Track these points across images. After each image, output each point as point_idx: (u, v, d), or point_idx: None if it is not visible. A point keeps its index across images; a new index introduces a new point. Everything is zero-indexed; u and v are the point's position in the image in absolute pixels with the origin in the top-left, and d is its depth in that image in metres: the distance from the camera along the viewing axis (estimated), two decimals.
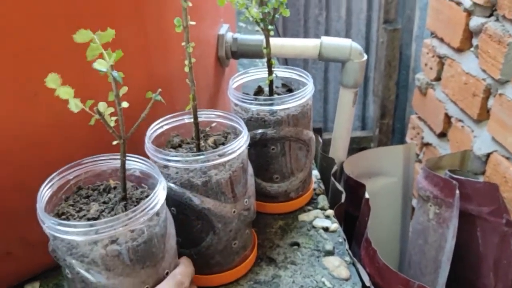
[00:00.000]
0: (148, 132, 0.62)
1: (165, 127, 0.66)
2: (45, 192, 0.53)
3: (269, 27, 0.70)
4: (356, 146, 2.08)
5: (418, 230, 0.99)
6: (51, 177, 0.54)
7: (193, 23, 0.56)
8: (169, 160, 0.58)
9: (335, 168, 0.91)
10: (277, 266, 0.69)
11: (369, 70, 2.09)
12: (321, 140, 1.02)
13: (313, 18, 1.99)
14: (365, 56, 0.85)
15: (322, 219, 0.77)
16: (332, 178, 0.88)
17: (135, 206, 0.52)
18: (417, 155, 1.37)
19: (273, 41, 0.86)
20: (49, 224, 0.49)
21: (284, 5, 0.68)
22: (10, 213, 0.60)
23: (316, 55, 0.85)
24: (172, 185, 0.59)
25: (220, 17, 0.87)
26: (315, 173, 0.89)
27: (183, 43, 0.57)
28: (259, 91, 0.79)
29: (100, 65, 0.47)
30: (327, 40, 0.85)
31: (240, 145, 0.60)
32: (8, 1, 0.52)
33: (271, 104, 0.70)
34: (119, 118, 0.51)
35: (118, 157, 0.55)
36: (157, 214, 0.52)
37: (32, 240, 0.63)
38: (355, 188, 0.90)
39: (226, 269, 0.65)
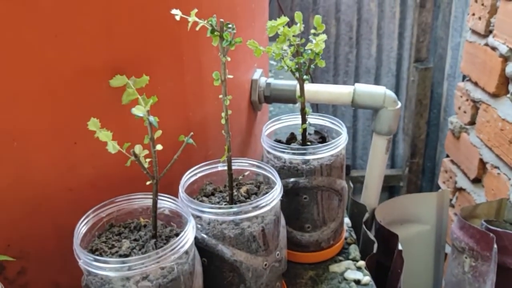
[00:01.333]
0: (182, 181, 0.62)
1: (199, 175, 0.66)
2: (81, 229, 0.55)
3: (304, 77, 0.70)
4: (385, 184, 2.04)
5: (452, 283, 0.96)
6: (86, 214, 0.56)
7: (230, 76, 0.57)
8: (202, 211, 0.58)
9: (366, 215, 0.90)
10: None
11: None
12: (352, 186, 1.01)
13: (343, 56, 1.99)
14: (399, 104, 0.85)
15: (354, 271, 0.75)
16: (364, 227, 0.86)
17: (164, 243, 0.54)
18: (450, 200, 1.33)
19: (307, 87, 0.87)
20: (84, 260, 0.50)
21: (320, 56, 0.68)
22: (45, 259, 0.60)
23: (349, 102, 0.85)
24: (204, 235, 0.59)
25: (254, 62, 0.88)
26: (346, 221, 0.87)
27: (221, 96, 0.57)
28: (291, 138, 0.78)
29: (138, 111, 0.49)
30: (361, 87, 0.84)
31: (273, 197, 0.59)
32: (50, 52, 0.53)
33: (304, 154, 0.70)
34: (153, 160, 0.52)
35: (149, 196, 0.58)
36: (186, 252, 0.53)
37: (64, 284, 0.64)
38: (388, 238, 0.88)
39: None
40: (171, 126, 0.68)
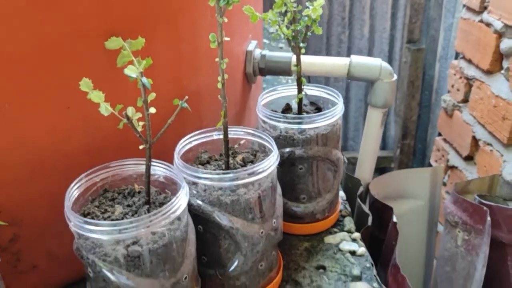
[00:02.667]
0: (177, 148, 0.61)
1: (194, 143, 0.65)
2: (73, 192, 0.54)
3: (301, 44, 0.69)
4: (376, 166, 2.05)
5: (445, 257, 0.96)
6: (79, 178, 0.55)
7: (227, 39, 0.55)
8: (198, 177, 0.57)
9: (361, 189, 0.89)
10: None
11: None
12: (345, 160, 1.00)
13: (336, 36, 1.98)
14: (395, 76, 0.84)
15: (349, 242, 0.75)
16: (358, 200, 0.86)
17: None
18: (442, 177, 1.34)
19: (302, 58, 0.85)
20: (75, 222, 0.49)
21: (317, 23, 0.67)
22: (38, 227, 0.59)
23: (345, 73, 0.84)
24: (200, 202, 0.58)
25: (249, 33, 0.87)
26: (341, 194, 0.87)
27: (217, 59, 0.56)
28: (287, 109, 0.77)
29: (130, 71, 0.48)
30: (357, 59, 0.83)
31: (270, 164, 0.58)
32: (43, 15, 0.51)
33: (300, 123, 0.69)
34: (146, 123, 0.51)
35: (143, 162, 0.57)
36: (179, 218, 0.52)
37: (57, 254, 0.63)
38: (382, 211, 0.88)
39: None
40: (166, 94, 0.67)
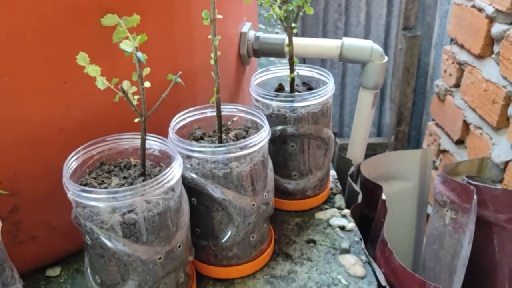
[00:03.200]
0: (172, 123, 0.63)
1: (188, 120, 0.67)
2: (71, 164, 0.56)
3: (293, 25, 0.71)
4: (371, 152, 2.08)
5: (433, 235, 0.99)
6: (77, 150, 0.57)
7: (220, 16, 0.57)
8: (192, 151, 0.59)
9: (352, 169, 0.92)
10: (293, 261, 0.69)
11: (386, 76, 2.09)
12: (338, 142, 1.02)
13: (332, 23, 1.99)
14: (386, 58, 0.86)
15: (339, 218, 0.78)
16: (349, 179, 0.88)
17: None
18: (434, 162, 1.36)
19: (295, 40, 0.87)
20: (73, 191, 0.51)
21: (308, 3, 0.69)
22: (37, 198, 0.61)
23: (337, 55, 0.86)
24: (193, 175, 0.60)
25: (243, 15, 0.88)
26: (332, 173, 0.89)
27: (210, 36, 0.58)
28: (279, 89, 0.79)
29: (126, 46, 0.50)
30: (349, 41, 0.85)
31: (261, 138, 0.60)
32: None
33: (292, 101, 0.71)
34: (141, 97, 0.53)
35: (139, 136, 0.58)
36: (172, 189, 0.55)
37: (55, 225, 0.65)
38: (372, 190, 0.90)
39: (243, 262, 0.66)
40: (161, 73, 0.69)
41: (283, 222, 0.77)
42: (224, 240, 0.63)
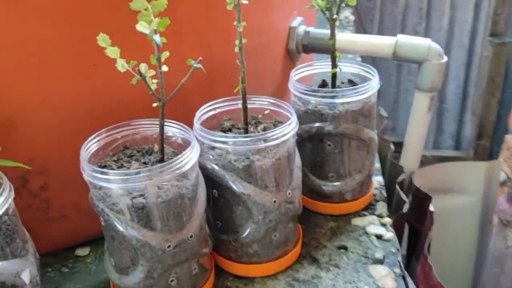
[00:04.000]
0: (198, 113, 0.62)
1: (218, 110, 0.65)
2: (90, 145, 0.56)
3: (334, 16, 0.67)
4: None
5: (494, 257, 0.89)
6: (99, 132, 0.58)
7: (245, 1, 0.55)
8: (214, 141, 0.58)
9: (402, 176, 0.85)
10: (320, 266, 0.65)
11: (469, 86, 1.95)
12: (392, 147, 0.96)
13: (411, 27, 1.90)
14: (445, 58, 0.79)
15: (377, 226, 0.72)
16: (397, 187, 0.82)
17: None
18: (506, 179, 1.24)
19: (346, 36, 0.83)
20: (87, 171, 0.52)
21: None
22: (66, 179, 0.63)
23: (390, 53, 0.80)
24: (215, 166, 0.59)
25: (293, 9, 0.86)
26: (379, 179, 0.83)
27: (235, 22, 0.56)
28: (323, 85, 0.76)
29: (142, 27, 0.49)
30: (404, 39, 0.79)
31: (285, 132, 0.57)
32: None
33: (330, 97, 0.67)
34: (159, 81, 0.52)
35: (166, 123, 0.58)
36: (185, 176, 0.53)
37: (84, 207, 0.66)
38: (422, 200, 0.83)
39: (264, 261, 0.63)
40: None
41: (316, 225, 0.73)
42: (243, 235, 0.61)
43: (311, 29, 0.85)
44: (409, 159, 0.90)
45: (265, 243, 0.62)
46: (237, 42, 0.57)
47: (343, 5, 0.66)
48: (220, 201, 0.61)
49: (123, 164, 0.57)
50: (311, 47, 0.85)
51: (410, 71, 1.95)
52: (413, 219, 0.84)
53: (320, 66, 0.75)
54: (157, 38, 0.50)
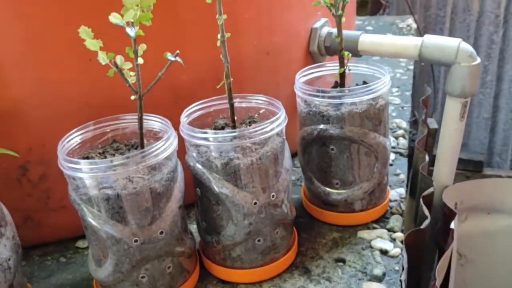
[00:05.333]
0: (187, 110, 0.61)
1: (213, 108, 0.64)
2: (73, 136, 0.57)
3: (339, 12, 0.63)
4: None
5: None
6: (86, 124, 0.58)
7: None
8: (192, 137, 0.56)
9: (430, 190, 0.77)
10: (310, 278, 0.61)
11: None
12: (427, 159, 0.88)
13: (487, 36, 1.75)
14: (478, 60, 0.71)
15: (385, 241, 0.66)
16: (421, 201, 0.75)
17: None
18: None
19: (371, 38, 0.78)
20: (59, 159, 0.53)
21: None
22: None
23: (416, 55, 0.74)
24: (196, 164, 0.57)
25: (318, 10, 0.82)
26: (400, 191, 0.77)
27: (217, 16, 0.54)
28: (335, 87, 0.71)
29: (115, 19, 0.49)
30: (430, 39, 0.73)
31: (264, 130, 0.54)
32: None
33: (332, 97, 0.63)
34: (136, 74, 0.52)
35: (153, 118, 0.58)
36: (156, 169, 0.52)
37: None
38: (448, 218, 0.75)
39: (248, 267, 0.60)
40: (198, 60, 0.68)
41: (319, 235, 0.69)
42: (224, 237, 0.58)
43: (334, 30, 0.81)
44: (442, 172, 0.81)
45: (248, 248, 0.59)
46: (219, 36, 0.55)
47: (347, 0, 0.62)
48: (203, 200, 0.59)
49: (107, 157, 0.57)
50: (334, 49, 0.81)
51: (485, 84, 1.80)
52: (441, 238, 0.76)
53: (334, 67, 0.71)
54: (129, 30, 0.50)
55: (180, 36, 0.66)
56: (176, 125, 0.58)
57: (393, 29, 1.52)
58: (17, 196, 0.65)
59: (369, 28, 1.61)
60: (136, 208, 0.52)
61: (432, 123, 1.05)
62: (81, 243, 0.71)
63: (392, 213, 0.72)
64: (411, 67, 1.24)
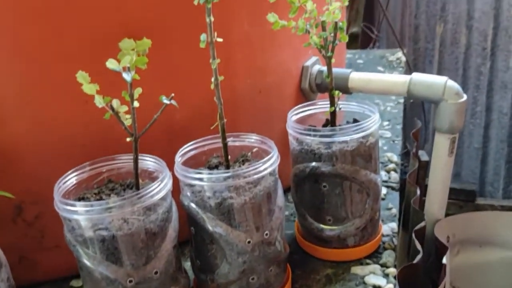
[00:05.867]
0: (181, 150, 0.62)
1: (207, 147, 0.65)
2: (69, 177, 0.58)
3: (328, 54, 0.65)
4: None
5: None
6: (82, 165, 0.59)
7: (220, 40, 0.55)
8: (186, 176, 0.57)
9: (422, 224, 0.78)
10: None
11: None
12: (418, 193, 0.89)
13: (474, 68, 1.79)
14: (464, 97, 0.73)
15: (378, 277, 0.67)
16: (413, 235, 0.76)
17: None
18: None
19: (360, 75, 0.81)
20: (56, 201, 0.53)
21: (344, 31, 0.63)
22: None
23: (404, 92, 0.76)
24: (190, 203, 0.58)
25: (308, 49, 0.85)
26: (392, 225, 0.78)
27: (210, 60, 0.56)
28: (326, 125, 0.73)
29: (112, 65, 0.51)
30: (418, 77, 0.75)
31: (257, 170, 0.56)
32: (63, 15, 0.58)
33: (323, 136, 0.65)
34: (131, 117, 0.53)
35: (148, 158, 0.60)
36: (151, 209, 0.53)
37: None
38: (441, 252, 0.76)
39: None
40: (192, 99, 0.70)
41: (313, 271, 0.69)
42: (218, 276, 0.59)
43: (325, 68, 0.83)
44: (433, 206, 0.83)
45: (242, 286, 0.59)
46: (212, 79, 0.57)
47: (336, 41, 0.64)
48: (197, 239, 0.60)
49: (102, 197, 0.58)
50: (325, 86, 0.83)
51: (475, 114, 1.83)
52: (434, 273, 0.77)
53: (325, 105, 0.73)
54: (125, 75, 0.52)
55: (174, 76, 0.68)
56: (170, 163, 0.59)
57: (383, 62, 1.55)
58: (12, 236, 0.65)
59: (360, 61, 1.64)
60: (131, 249, 0.52)
61: (423, 155, 1.07)
62: (75, 283, 0.71)
63: (385, 248, 0.73)
64: (402, 100, 1.27)
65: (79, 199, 0.57)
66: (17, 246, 0.66)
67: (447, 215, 0.86)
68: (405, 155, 1.49)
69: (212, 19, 0.54)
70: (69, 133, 0.64)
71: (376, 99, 1.27)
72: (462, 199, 1.86)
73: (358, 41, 2.02)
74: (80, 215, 0.51)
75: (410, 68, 1.56)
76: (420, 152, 1.06)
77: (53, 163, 0.64)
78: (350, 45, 1.95)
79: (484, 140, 1.85)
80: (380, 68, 1.52)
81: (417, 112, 1.71)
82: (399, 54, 1.64)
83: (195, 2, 0.53)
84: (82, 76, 0.53)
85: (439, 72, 1.84)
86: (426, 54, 1.83)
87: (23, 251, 0.67)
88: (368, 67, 1.54)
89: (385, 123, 1.17)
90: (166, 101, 0.54)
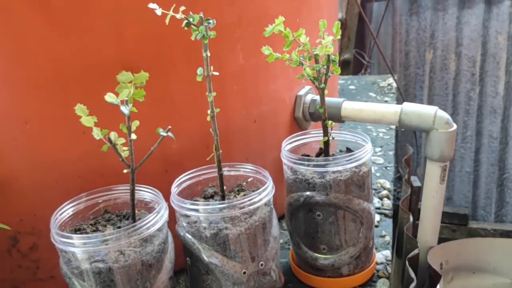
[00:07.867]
0: (177, 180, 0.63)
1: (203, 177, 0.66)
2: (66, 208, 0.58)
3: (322, 85, 0.67)
4: None
5: None
6: (79, 196, 0.60)
7: (216, 73, 0.57)
8: (182, 207, 0.58)
9: (416, 251, 0.79)
10: None
11: None
12: (411, 219, 0.90)
13: (464, 93, 1.82)
14: (454, 126, 0.75)
15: None
16: (407, 263, 0.76)
17: None
18: None
19: (352, 105, 0.82)
20: (52, 233, 0.54)
21: (337, 63, 0.65)
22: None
23: (396, 121, 0.77)
24: (186, 234, 0.58)
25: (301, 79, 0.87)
26: (386, 253, 0.78)
27: (207, 93, 0.58)
28: (320, 154, 0.74)
29: (110, 98, 0.52)
30: (409, 107, 0.77)
31: (252, 200, 0.56)
32: (62, 48, 0.60)
33: (316, 165, 0.66)
34: (129, 149, 0.54)
35: (144, 189, 0.60)
36: (148, 241, 0.53)
37: None
38: (434, 279, 0.76)
39: None
40: (188, 129, 0.71)
41: None
42: None
43: (318, 97, 0.85)
44: (426, 233, 0.83)
45: None
46: (208, 111, 0.58)
47: (329, 74, 0.66)
48: (193, 269, 0.60)
49: (98, 228, 0.59)
50: (317, 115, 0.84)
51: (466, 139, 1.85)
52: None
53: (318, 135, 0.74)
54: (123, 108, 0.53)
55: (171, 107, 0.69)
56: (166, 193, 0.60)
57: (374, 88, 1.58)
58: (7, 267, 0.65)
59: (352, 87, 1.67)
60: (127, 281, 0.53)
61: (416, 181, 1.08)
62: None
63: (379, 277, 0.73)
64: (393, 126, 1.29)
65: (76, 231, 0.58)
66: (11, 277, 0.66)
67: (440, 239, 0.87)
68: (398, 179, 1.50)
69: (209, 54, 0.56)
70: (65, 163, 0.64)
71: (368, 125, 1.29)
72: (455, 223, 1.87)
73: (350, 67, 2.06)
74: (77, 247, 0.51)
75: (401, 93, 1.59)
76: (413, 178, 1.08)
77: (49, 193, 0.64)
78: (343, 71, 1.98)
79: (475, 164, 1.87)
80: (371, 94, 1.54)
81: (409, 137, 1.74)
82: (390, 80, 1.67)
83: (192, 38, 0.55)
84: (80, 109, 0.54)
85: (430, 97, 1.87)
86: (416, 79, 1.86)
87: (17, 282, 0.67)
88: (360, 93, 1.57)
89: (378, 149, 1.19)
90: (163, 133, 0.55)
